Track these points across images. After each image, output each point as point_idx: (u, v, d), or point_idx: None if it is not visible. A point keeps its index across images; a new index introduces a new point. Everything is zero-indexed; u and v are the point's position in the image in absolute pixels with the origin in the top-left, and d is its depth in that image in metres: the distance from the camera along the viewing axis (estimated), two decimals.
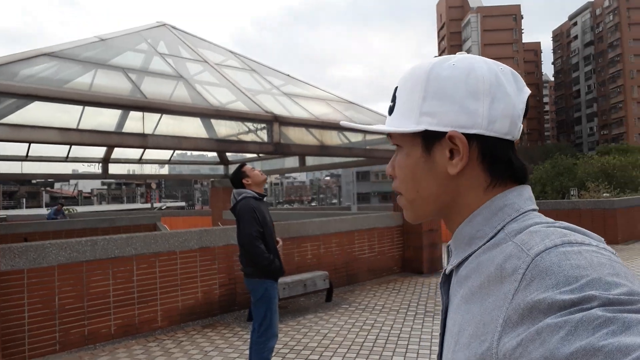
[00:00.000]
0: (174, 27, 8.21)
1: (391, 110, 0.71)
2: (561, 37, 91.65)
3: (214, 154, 11.81)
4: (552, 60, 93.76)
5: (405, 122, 0.67)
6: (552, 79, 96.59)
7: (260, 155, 10.76)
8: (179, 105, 5.36)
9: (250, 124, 6.27)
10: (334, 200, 73.99)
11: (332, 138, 7.35)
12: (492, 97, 0.62)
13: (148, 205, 50.67)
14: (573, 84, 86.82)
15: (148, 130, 5.07)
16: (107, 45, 6.43)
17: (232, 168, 12.37)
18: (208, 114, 5.61)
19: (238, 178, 3.78)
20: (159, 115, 5.29)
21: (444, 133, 0.64)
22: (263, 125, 6.25)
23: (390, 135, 0.71)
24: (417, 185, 0.68)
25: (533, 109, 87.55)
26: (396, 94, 0.70)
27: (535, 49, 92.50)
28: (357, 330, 5.23)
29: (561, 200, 13.56)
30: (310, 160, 10.69)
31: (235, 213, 3.71)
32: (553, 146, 57.68)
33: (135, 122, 5.00)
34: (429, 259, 8.61)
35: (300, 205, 70.34)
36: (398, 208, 8.85)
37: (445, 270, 0.71)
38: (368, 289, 7.33)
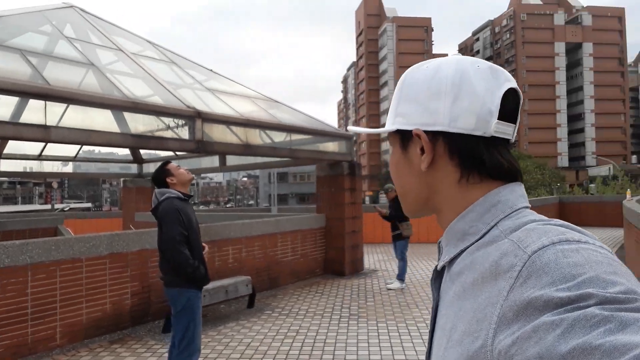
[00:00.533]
0: (83, 10, 7.44)
1: None
2: (465, 51, 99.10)
3: (126, 151, 10.95)
4: None
5: (388, 123, 0.74)
6: None
7: (177, 153, 10.17)
8: (89, 95, 4.81)
9: (170, 120, 5.84)
10: (251, 202, 72.96)
11: (257, 137, 7.12)
12: (454, 96, 0.65)
13: (48, 207, 45.92)
14: None
15: (51, 122, 4.48)
16: (3, 23, 5.61)
17: (148, 167, 11.57)
18: (123, 106, 5.11)
19: (161, 177, 3.42)
20: (64, 105, 4.69)
21: (412, 132, 0.69)
22: (184, 121, 5.85)
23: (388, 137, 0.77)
24: (401, 181, 0.74)
25: None
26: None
27: None
28: (282, 338, 5.07)
29: None
30: (232, 160, 10.34)
31: (157, 215, 3.36)
32: None
33: (36, 112, 4.38)
34: (351, 261, 8.70)
35: (217, 206, 68.34)
36: (322, 209, 8.84)
37: (436, 266, 0.72)
38: (291, 293, 7.21)
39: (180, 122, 5.82)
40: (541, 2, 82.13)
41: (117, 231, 6.07)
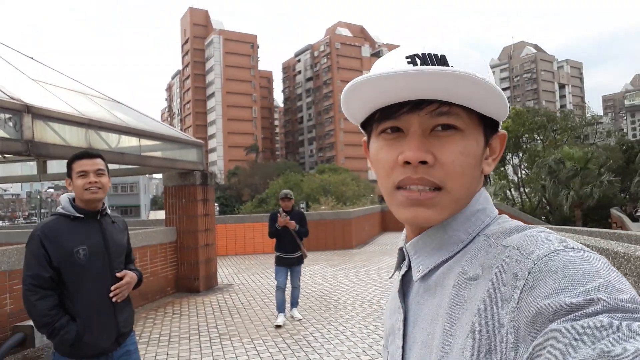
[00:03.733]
0: None
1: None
2: (289, 70, 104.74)
3: None
4: (282, 89, 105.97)
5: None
6: (282, 104, 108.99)
7: None
8: None
9: None
10: None
11: (100, 141, 6.13)
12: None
13: None
14: (298, 111, 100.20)
15: None
16: None
17: None
18: None
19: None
20: None
21: (497, 128, 0.63)
22: (9, 116, 4.65)
23: (447, 110, 0.57)
24: (471, 180, 0.60)
25: (267, 130, 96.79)
26: (452, 65, 0.58)
27: (268, 77, 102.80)
28: None
29: (311, 212, 15.17)
30: (54, 167, 8.69)
31: None
32: (284, 164, 64.77)
33: None
34: (205, 276, 8.14)
35: (12, 223, 56.60)
36: (172, 222, 8.07)
37: (400, 275, 0.67)
38: (144, 317, 6.34)
39: (4, 116, 4.61)
40: (351, 35, 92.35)
41: None
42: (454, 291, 0.56)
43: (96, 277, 2.16)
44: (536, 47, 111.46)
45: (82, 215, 2.19)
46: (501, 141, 0.65)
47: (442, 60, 0.57)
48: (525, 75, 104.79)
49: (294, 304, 6.03)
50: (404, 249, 0.67)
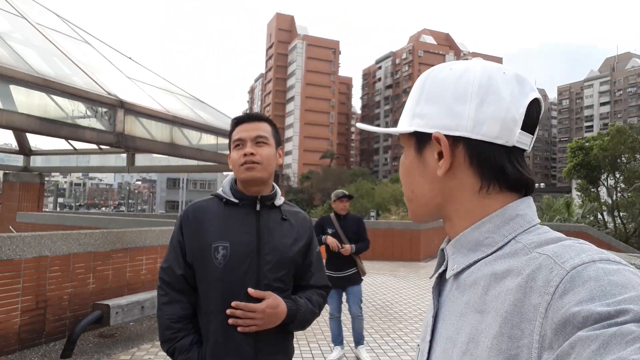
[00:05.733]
0: None
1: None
2: (369, 77, 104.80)
3: (7, 138, 9.36)
4: (361, 95, 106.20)
5: (403, 124, 0.69)
6: (360, 111, 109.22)
7: (76, 148, 8.95)
8: None
9: (86, 107, 5.02)
10: (144, 207, 67.95)
11: (182, 137, 6.50)
12: (480, 100, 0.62)
13: None
14: (375, 119, 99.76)
15: None
16: None
17: (35, 160, 10.00)
18: (31, 82, 4.24)
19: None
20: None
21: (431, 135, 0.66)
22: (105, 109, 5.08)
23: (398, 137, 0.72)
24: (412, 184, 0.70)
25: (342, 136, 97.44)
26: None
27: (347, 83, 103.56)
28: None
29: (380, 221, 15.00)
30: (140, 160, 9.38)
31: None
32: (357, 171, 64.80)
33: None
34: None
35: (106, 210, 62.34)
36: None
37: (437, 273, 0.70)
38: None
39: (101, 110, 5.04)
40: (435, 43, 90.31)
41: (9, 232, 5.02)
42: (484, 290, 0.58)
43: (234, 289, 1.46)
44: None
45: (236, 201, 1.54)
46: (439, 142, 0.64)
47: None
48: (629, 90, 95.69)
49: (359, 340, 4.53)
50: (444, 250, 0.70)
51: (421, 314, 6.75)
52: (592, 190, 25.83)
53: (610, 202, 25.94)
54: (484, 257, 0.62)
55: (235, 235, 1.48)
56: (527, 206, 0.64)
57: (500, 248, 0.61)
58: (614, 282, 0.47)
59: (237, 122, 1.58)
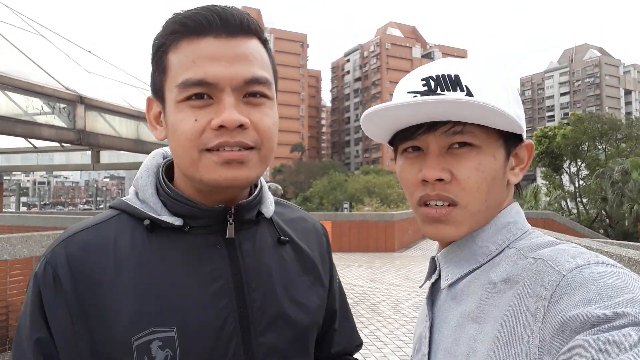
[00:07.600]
0: None
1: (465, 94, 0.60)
2: (337, 70, 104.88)
3: None
4: (330, 88, 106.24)
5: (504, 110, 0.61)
6: (330, 104, 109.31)
7: (36, 146, 8.53)
8: None
9: (43, 103, 4.75)
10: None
11: (149, 133, 6.27)
12: (520, 105, 0.64)
13: None
14: (345, 111, 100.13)
15: None
16: None
17: None
18: None
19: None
20: None
21: (521, 139, 0.64)
22: (63, 106, 4.82)
23: (461, 129, 0.59)
24: (489, 194, 0.61)
25: (313, 129, 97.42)
26: (466, 84, 0.59)
27: (317, 76, 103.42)
28: None
29: (354, 213, 15.03)
30: (105, 157, 9.04)
31: None
32: (329, 163, 64.87)
33: None
34: None
35: (73, 208, 60.27)
36: None
37: (430, 282, 0.69)
38: None
39: (59, 106, 4.78)
40: (402, 36, 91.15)
41: None
42: (481, 300, 0.57)
43: None
44: (601, 50, 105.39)
45: (179, 223, 0.70)
46: (528, 150, 0.65)
47: (455, 81, 0.59)
48: (587, 80, 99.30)
49: None
50: (435, 259, 0.69)
51: (399, 304, 6.79)
52: (556, 177, 26.70)
53: (572, 189, 26.92)
54: (479, 267, 0.61)
55: (187, 308, 0.67)
56: (516, 213, 0.64)
57: (495, 257, 0.60)
58: (610, 284, 0.47)
59: (194, 29, 0.64)
